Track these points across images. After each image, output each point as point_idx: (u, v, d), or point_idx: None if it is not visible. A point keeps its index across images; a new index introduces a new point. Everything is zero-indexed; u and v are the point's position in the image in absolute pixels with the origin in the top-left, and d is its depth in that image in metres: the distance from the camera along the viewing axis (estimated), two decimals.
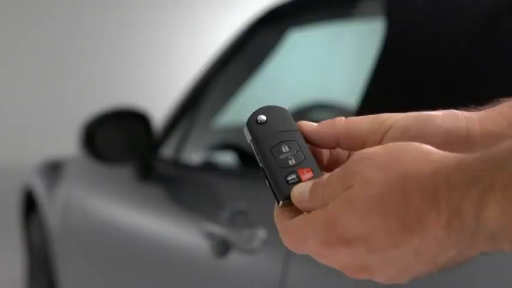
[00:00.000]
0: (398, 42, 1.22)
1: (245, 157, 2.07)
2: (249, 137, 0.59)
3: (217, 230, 1.42)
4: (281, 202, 0.56)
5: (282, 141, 0.58)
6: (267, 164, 0.57)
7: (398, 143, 0.51)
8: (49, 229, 2.71)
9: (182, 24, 5.86)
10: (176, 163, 2.01)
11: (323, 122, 0.60)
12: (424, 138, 0.56)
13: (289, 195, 0.55)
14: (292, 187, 0.56)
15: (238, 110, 2.25)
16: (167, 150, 2.08)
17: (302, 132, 0.59)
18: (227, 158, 2.05)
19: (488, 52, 1.05)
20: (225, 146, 2.19)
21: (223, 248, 1.39)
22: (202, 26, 5.86)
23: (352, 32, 2.08)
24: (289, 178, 0.56)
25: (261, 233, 1.29)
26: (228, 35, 2.40)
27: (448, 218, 0.46)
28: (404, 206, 0.48)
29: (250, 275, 1.30)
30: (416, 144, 0.51)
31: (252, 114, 0.59)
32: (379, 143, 0.57)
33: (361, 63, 1.61)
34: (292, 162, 0.57)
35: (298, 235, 0.54)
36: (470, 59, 1.06)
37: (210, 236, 1.45)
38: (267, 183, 0.58)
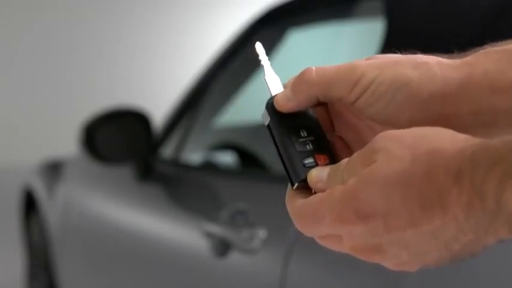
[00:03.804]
0: (398, 42, 1.22)
1: (245, 157, 2.07)
2: (267, 119, 0.59)
3: (217, 230, 1.42)
4: (296, 184, 0.55)
5: (301, 126, 0.58)
6: (284, 146, 0.57)
7: (422, 127, 0.51)
8: (49, 229, 2.71)
9: (182, 25, 5.86)
10: (176, 163, 2.01)
11: (295, 87, 0.57)
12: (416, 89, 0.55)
13: (305, 178, 0.55)
14: (309, 170, 0.55)
15: (238, 110, 2.25)
16: (167, 150, 2.08)
17: (281, 108, 0.58)
18: (227, 158, 2.05)
19: None
20: (225, 146, 2.19)
21: (223, 248, 1.39)
22: (202, 26, 5.86)
23: (352, 32, 2.08)
24: (306, 161, 0.56)
25: (261, 233, 1.29)
26: (228, 35, 2.40)
27: (469, 198, 0.45)
28: (428, 182, 0.47)
29: (250, 275, 1.30)
30: (441, 128, 0.50)
31: (272, 97, 0.59)
32: (358, 97, 0.56)
33: None
34: (310, 147, 0.57)
35: (312, 212, 0.52)
36: None
37: (210, 236, 1.45)
38: (282, 166, 0.57)
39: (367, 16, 1.64)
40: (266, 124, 0.59)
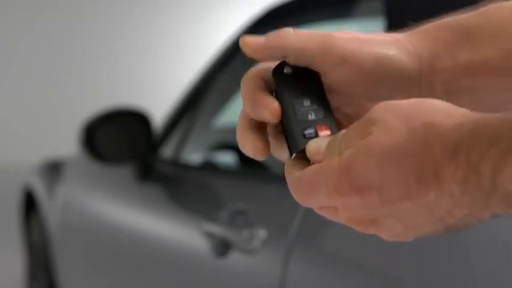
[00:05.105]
0: None
1: (245, 157, 2.07)
2: (272, 87, 0.58)
3: (217, 230, 1.42)
4: (294, 155, 0.55)
5: (305, 95, 0.57)
6: (286, 115, 0.56)
7: (420, 99, 0.51)
8: (49, 229, 2.72)
9: (182, 25, 5.87)
10: (176, 163, 2.01)
11: (270, 34, 0.58)
12: (381, 85, 0.57)
13: (304, 148, 0.55)
14: (308, 141, 0.55)
15: (238, 110, 2.25)
16: (167, 150, 2.08)
17: (246, 47, 0.58)
18: (227, 158, 2.05)
19: None
20: (225, 146, 2.19)
21: (223, 248, 1.39)
22: (202, 26, 5.86)
23: None
24: (306, 132, 0.55)
25: (261, 233, 1.29)
26: (228, 35, 2.40)
27: (465, 174, 0.45)
28: (424, 155, 0.47)
29: (250, 275, 1.30)
30: (439, 100, 0.50)
31: (278, 64, 0.58)
32: (328, 68, 0.57)
33: None
34: (311, 117, 0.56)
35: (309, 183, 0.52)
36: None
37: (210, 236, 1.45)
38: (283, 135, 0.57)
39: (367, 16, 1.64)
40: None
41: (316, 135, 0.55)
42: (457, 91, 0.58)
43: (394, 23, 1.25)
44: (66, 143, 4.67)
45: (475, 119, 0.47)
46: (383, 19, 1.30)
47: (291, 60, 0.58)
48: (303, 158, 0.55)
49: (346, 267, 1.05)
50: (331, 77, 0.58)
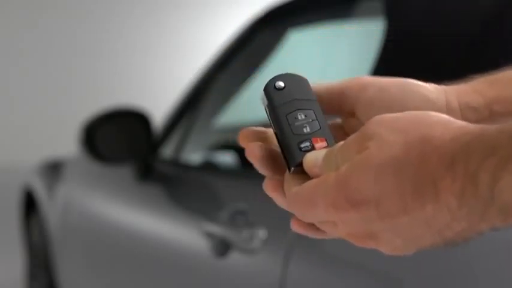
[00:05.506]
0: (398, 42, 1.22)
1: (245, 157, 2.07)
2: (265, 102, 0.58)
3: (217, 230, 1.42)
4: (292, 169, 0.55)
5: (299, 109, 0.57)
6: (281, 129, 0.57)
7: (417, 111, 0.51)
8: (49, 229, 2.72)
9: (182, 25, 5.86)
10: (176, 163, 2.01)
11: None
12: (404, 102, 0.58)
13: (301, 162, 0.54)
14: (305, 154, 0.55)
15: (238, 110, 2.25)
16: (167, 150, 2.08)
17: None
18: (227, 158, 2.05)
19: (488, 52, 1.05)
20: (225, 146, 2.19)
21: (223, 248, 1.39)
22: (202, 26, 5.86)
23: (352, 32, 2.08)
24: (302, 145, 0.55)
25: (261, 233, 1.29)
26: (228, 35, 2.40)
27: (462, 186, 0.45)
28: (421, 169, 0.47)
29: (250, 275, 1.30)
30: (436, 113, 0.50)
31: (270, 80, 0.59)
32: (355, 102, 0.60)
33: (361, 63, 1.61)
34: (307, 130, 0.56)
35: (308, 198, 0.52)
36: (470, 59, 1.06)
37: (210, 236, 1.45)
38: (280, 149, 0.57)
39: (367, 16, 1.64)
40: (264, 107, 0.59)
41: (313, 148, 0.55)
42: (489, 118, 0.59)
43: (394, 23, 1.25)
44: (66, 143, 4.66)
45: (472, 131, 0.46)
46: (383, 19, 1.30)
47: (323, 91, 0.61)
48: (301, 172, 0.55)
49: (346, 267, 1.05)
50: (356, 103, 0.60)
